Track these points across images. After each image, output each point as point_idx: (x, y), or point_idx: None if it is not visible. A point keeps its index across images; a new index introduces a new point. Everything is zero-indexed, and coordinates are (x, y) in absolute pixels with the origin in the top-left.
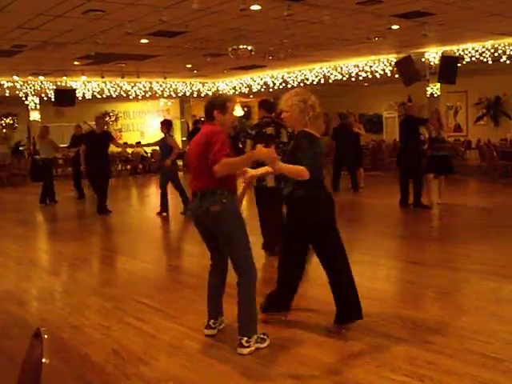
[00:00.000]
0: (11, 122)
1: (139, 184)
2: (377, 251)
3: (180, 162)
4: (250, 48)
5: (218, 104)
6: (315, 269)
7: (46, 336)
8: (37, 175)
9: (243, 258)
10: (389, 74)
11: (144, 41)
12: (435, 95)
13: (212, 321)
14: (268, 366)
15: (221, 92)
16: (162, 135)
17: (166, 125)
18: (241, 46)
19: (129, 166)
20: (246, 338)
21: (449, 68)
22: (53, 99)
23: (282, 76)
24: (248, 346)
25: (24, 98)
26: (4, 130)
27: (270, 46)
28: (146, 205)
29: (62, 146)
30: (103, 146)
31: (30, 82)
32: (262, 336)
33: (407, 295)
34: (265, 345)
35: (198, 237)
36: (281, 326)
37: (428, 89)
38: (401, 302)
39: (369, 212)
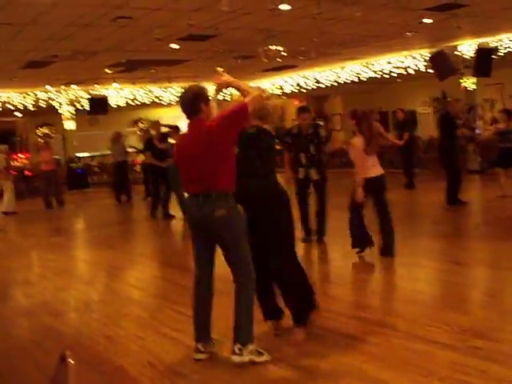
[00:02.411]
0: (48, 131)
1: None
2: (419, 251)
3: None
4: (280, 49)
5: (203, 96)
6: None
7: (71, 361)
8: (73, 183)
9: (246, 263)
10: (422, 70)
11: (174, 46)
12: (470, 89)
13: (200, 344)
14: (312, 379)
15: None
16: None
17: None
18: (271, 47)
19: None
20: (238, 345)
21: (484, 60)
22: (86, 108)
23: (314, 76)
24: (240, 355)
25: (58, 108)
26: (40, 141)
27: (301, 45)
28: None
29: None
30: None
31: (63, 92)
32: (260, 350)
33: (453, 298)
34: (261, 359)
35: None
36: (313, 332)
37: (463, 83)
38: (446, 306)
39: (409, 210)
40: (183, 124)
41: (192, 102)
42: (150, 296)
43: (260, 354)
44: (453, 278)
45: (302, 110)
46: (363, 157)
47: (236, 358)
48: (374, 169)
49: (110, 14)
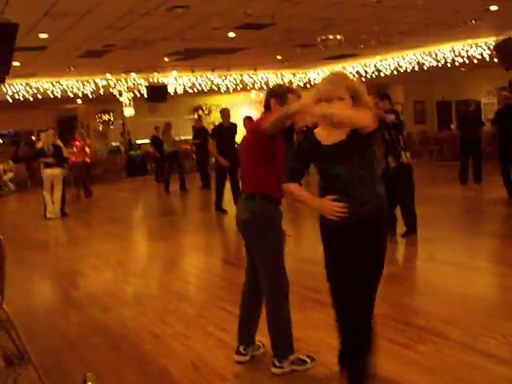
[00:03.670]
0: (108, 118)
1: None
2: (474, 252)
3: None
4: (339, 37)
5: (277, 93)
6: None
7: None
8: (132, 170)
9: (271, 268)
10: (487, 59)
11: (231, 34)
12: None
13: (242, 346)
14: None
15: (312, 82)
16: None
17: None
18: (330, 36)
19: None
20: (276, 359)
21: None
22: (145, 96)
23: (375, 64)
24: (281, 367)
25: (118, 95)
26: (100, 127)
27: (361, 34)
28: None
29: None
30: (232, 139)
31: (122, 80)
32: (302, 357)
33: (509, 305)
34: (303, 368)
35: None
36: None
37: None
38: (502, 314)
39: (466, 207)
40: (241, 113)
41: (266, 97)
42: (199, 291)
43: (303, 362)
44: (507, 282)
45: (382, 97)
46: None
47: (276, 371)
48: None
49: (167, 3)
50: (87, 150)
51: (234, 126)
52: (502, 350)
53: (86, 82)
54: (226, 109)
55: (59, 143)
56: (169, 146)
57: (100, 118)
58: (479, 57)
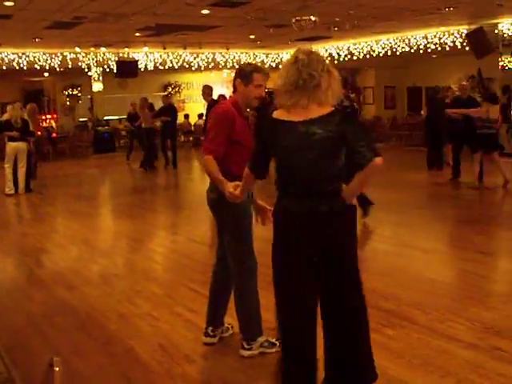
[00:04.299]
0: (75, 93)
1: (201, 156)
2: (442, 238)
3: None
4: (313, 19)
5: (241, 73)
6: None
7: (57, 369)
8: (99, 147)
9: (239, 250)
10: (459, 47)
11: (205, 11)
12: (507, 68)
13: (210, 328)
14: None
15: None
16: None
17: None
18: (304, 17)
19: (191, 138)
20: (245, 342)
21: None
22: (115, 71)
23: (348, 47)
24: (249, 349)
25: (87, 70)
26: (68, 102)
27: (336, 16)
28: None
29: None
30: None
31: (92, 54)
32: (271, 340)
33: (475, 291)
34: (273, 350)
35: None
36: None
37: (500, 61)
38: (468, 299)
39: (434, 192)
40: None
41: (233, 78)
42: (167, 271)
43: (272, 344)
44: (476, 268)
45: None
46: None
47: (244, 353)
48: None
49: None
50: (53, 124)
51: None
52: (469, 334)
53: (53, 55)
54: (207, 86)
55: (26, 117)
56: (146, 121)
57: (67, 92)
58: (451, 44)
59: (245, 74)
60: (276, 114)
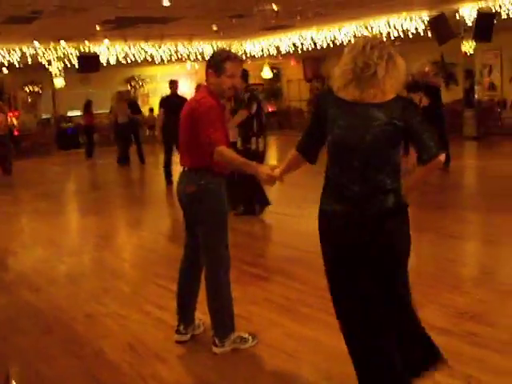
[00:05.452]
0: (36, 90)
1: None
2: (415, 223)
3: None
4: (275, 8)
5: (213, 63)
6: None
7: (14, 382)
8: (63, 144)
9: (214, 243)
10: (422, 34)
11: (166, 3)
12: (469, 54)
13: (182, 325)
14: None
15: (249, 54)
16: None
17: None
18: (267, 6)
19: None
20: (217, 339)
21: (484, 25)
22: (76, 66)
23: (311, 36)
24: (221, 346)
25: (47, 65)
26: (29, 99)
27: (298, 5)
28: (176, 173)
29: None
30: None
31: (52, 48)
32: (244, 335)
33: (448, 275)
34: (246, 346)
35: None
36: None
37: (462, 47)
38: (441, 284)
39: None
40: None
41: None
42: (134, 268)
43: (244, 340)
44: (446, 252)
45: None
46: None
47: (217, 350)
48: None
49: None
50: (15, 121)
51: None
52: (443, 320)
53: (11, 50)
54: (174, 81)
55: None
56: (122, 116)
57: (28, 88)
58: (414, 31)
59: (216, 64)
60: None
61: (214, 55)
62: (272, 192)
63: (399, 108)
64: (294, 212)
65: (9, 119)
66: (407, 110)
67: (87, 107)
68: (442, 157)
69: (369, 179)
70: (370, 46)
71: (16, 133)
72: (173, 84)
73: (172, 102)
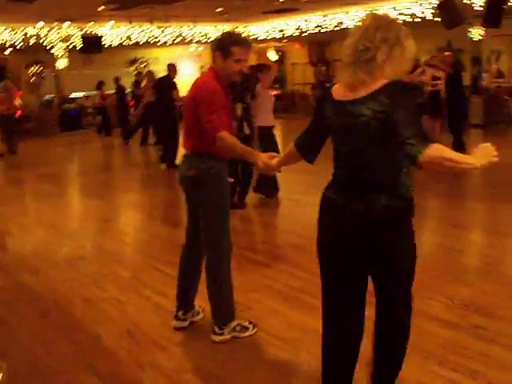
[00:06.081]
0: (38, 70)
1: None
2: (420, 212)
3: None
4: None
5: (220, 45)
6: None
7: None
8: (66, 125)
9: (215, 232)
10: (429, 18)
11: None
12: (477, 39)
13: (181, 312)
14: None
15: (252, 36)
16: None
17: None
18: None
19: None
20: (217, 326)
21: (494, 10)
22: (79, 46)
23: (316, 20)
24: (221, 334)
25: (51, 46)
26: (32, 79)
27: None
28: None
29: None
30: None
31: (55, 29)
32: (244, 324)
33: (452, 266)
34: (246, 334)
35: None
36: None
37: (470, 32)
38: (446, 275)
39: None
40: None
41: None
42: (135, 253)
43: (244, 328)
44: (451, 243)
45: None
46: None
47: (216, 338)
48: None
49: None
50: (17, 102)
51: (173, 85)
52: (448, 312)
53: (16, 30)
54: (171, 64)
55: None
56: (148, 96)
57: (31, 69)
58: (421, 15)
59: (224, 47)
60: (333, 91)
61: (223, 37)
62: (280, 178)
63: (386, 97)
64: (301, 198)
65: (16, 100)
66: (394, 97)
67: (100, 87)
68: (431, 151)
69: (361, 179)
70: (376, 26)
71: (19, 113)
72: (169, 67)
73: (164, 84)
